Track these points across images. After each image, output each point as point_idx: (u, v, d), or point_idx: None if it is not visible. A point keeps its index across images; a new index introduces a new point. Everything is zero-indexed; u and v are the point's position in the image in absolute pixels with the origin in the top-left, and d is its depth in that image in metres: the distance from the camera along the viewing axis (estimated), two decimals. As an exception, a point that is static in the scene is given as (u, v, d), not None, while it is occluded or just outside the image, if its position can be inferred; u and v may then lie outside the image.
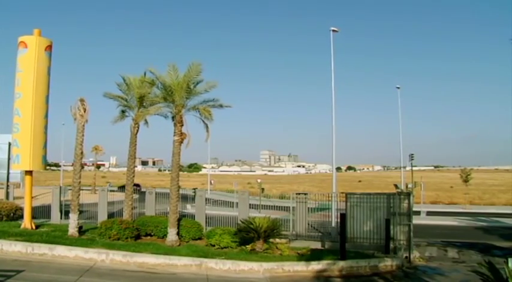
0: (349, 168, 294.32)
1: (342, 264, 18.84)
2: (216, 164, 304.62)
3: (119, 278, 16.84)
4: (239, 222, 22.63)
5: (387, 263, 19.47)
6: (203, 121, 22.46)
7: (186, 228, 23.42)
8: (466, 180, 55.13)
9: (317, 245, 23.22)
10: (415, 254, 22.12)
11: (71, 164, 41.78)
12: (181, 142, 21.91)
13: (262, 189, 46.06)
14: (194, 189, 33.36)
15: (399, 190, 22.26)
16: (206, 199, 47.66)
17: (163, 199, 29.61)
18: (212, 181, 63.56)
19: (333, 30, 31.62)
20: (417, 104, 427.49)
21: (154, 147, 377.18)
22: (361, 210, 22.40)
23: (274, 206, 36.25)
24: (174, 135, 21.97)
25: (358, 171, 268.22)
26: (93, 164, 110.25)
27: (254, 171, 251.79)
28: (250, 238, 21.32)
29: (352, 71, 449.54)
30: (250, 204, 27.02)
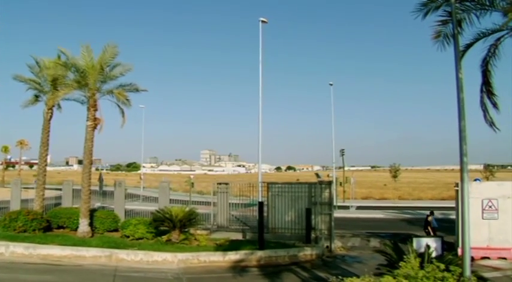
0: (289, 168, 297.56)
1: (260, 254, 18.32)
2: (155, 163, 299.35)
3: (16, 271, 15.55)
4: (154, 211, 21.61)
5: (307, 252, 19.13)
6: (119, 106, 21.34)
7: (100, 219, 22.12)
8: (395, 176, 56.68)
9: (238, 236, 22.56)
10: (337, 244, 21.98)
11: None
12: (95, 127, 20.69)
13: (192, 183, 45.41)
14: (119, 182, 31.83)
15: (320, 179, 21.96)
16: (137, 195, 46.87)
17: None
18: (142, 176, 61.56)
19: (262, 21, 31.21)
20: (354, 105, 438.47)
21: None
22: (282, 200, 22.01)
23: (207, 202, 35.47)
24: (87, 120, 20.69)
25: (298, 171, 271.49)
26: (17, 162, 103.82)
27: (194, 170, 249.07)
28: (167, 229, 20.40)
29: (289, 72, 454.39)
30: (181, 200, 26.20)
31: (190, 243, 20.17)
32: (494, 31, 11.60)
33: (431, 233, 22.96)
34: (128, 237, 20.57)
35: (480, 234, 19.64)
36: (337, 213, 39.00)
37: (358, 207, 44.60)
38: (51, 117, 23.73)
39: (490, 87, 12.31)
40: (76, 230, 21.56)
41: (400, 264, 8.90)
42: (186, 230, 20.61)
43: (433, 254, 11.29)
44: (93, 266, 16.96)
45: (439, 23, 11.32)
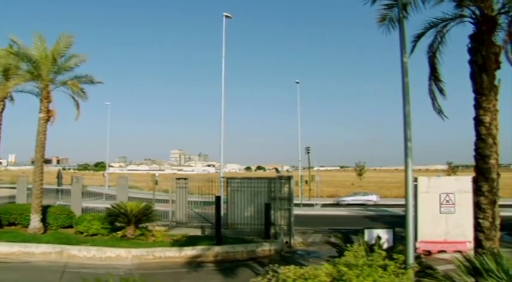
0: (259, 168, 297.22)
1: (217, 249, 18.00)
2: (124, 162, 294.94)
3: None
4: (109, 206, 21.04)
5: (265, 248, 18.88)
6: (74, 98, 20.69)
7: (54, 215, 21.40)
8: (360, 174, 57.20)
9: (198, 233, 22.19)
10: (297, 239, 21.84)
11: None
12: (48, 120, 19.99)
13: (156, 181, 45.01)
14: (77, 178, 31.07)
15: (279, 174, 21.75)
16: (100, 194, 45.92)
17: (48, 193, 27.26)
18: (106, 175, 60.54)
19: (226, 16, 31.08)
20: (324, 106, 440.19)
21: (59, 146, 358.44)
22: (242, 196, 21.73)
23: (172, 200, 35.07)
24: (40, 112, 19.97)
25: (268, 171, 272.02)
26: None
27: (163, 170, 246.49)
28: (123, 225, 19.89)
29: (261, 73, 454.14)
30: (145, 198, 25.84)
31: (147, 239, 19.71)
32: (444, 20, 11.57)
33: None
34: (82, 233, 19.96)
35: (438, 228, 19.83)
36: (302, 211, 39.28)
37: (324, 205, 44.82)
38: (3, 109, 22.82)
39: (436, 73, 12.25)
40: (28, 226, 20.80)
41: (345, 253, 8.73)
42: (142, 225, 20.15)
43: (385, 246, 11.19)
44: (43, 262, 16.34)
45: (385, 7, 11.26)
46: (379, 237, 11.42)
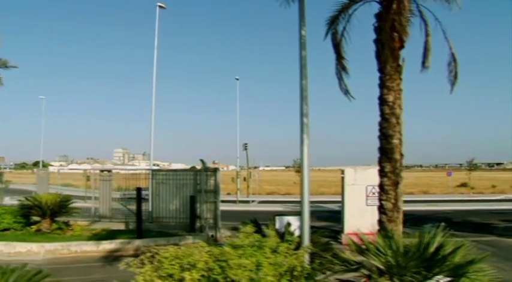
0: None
1: (138, 242, 17.43)
2: (65, 161, 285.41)
3: None
4: (22, 198, 19.98)
5: (188, 241, 18.37)
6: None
7: (-37, 210, 20.06)
8: (298, 171, 57.82)
9: (121, 227, 21.46)
10: (225, 233, 21.49)
11: None
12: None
13: (88, 177, 43.40)
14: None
15: (205, 166, 21.36)
16: (30, 191, 43.89)
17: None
18: (36, 171, 58.11)
19: (160, 6, 30.44)
20: (267, 106, 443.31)
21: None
22: (167, 188, 21.20)
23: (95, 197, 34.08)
24: None
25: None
26: None
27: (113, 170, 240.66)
28: (38, 220, 18.91)
29: (204, 72, 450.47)
30: (78, 196, 24.98)
31: (64, 233, 18.85)
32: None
33: None
34: (-8, 228, 18.81)
35: (364, 220, 19.93)
36: (238, 207, 39.17)
37: (261, 202, 44.79)
38: None
39: (339, 50, 12.21)
40: None
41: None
42: (60, 219, 19.22)
43: (296, 232, 11.11)
44: None
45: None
46: (288, 224, 11.30)
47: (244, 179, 49.33)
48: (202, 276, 6.06)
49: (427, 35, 11.58)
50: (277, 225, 11.55)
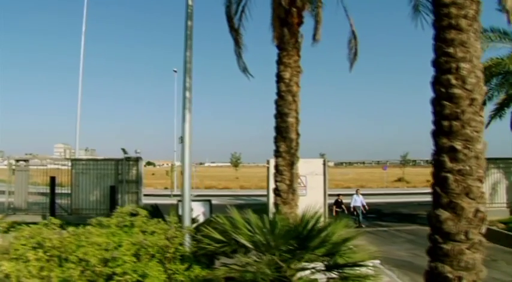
0: (149, 163, 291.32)
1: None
2: (1, 157, 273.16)
3: None
4: None
5: (107, 233, 17.79)
6: None
7: None
8: (236, 165, 58.27)
9: (38, 219, 20.43)
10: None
11: None
12: None
13: (13, 170, 41.69)
14: None
15: (127, 155, 20.69)
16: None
17: None
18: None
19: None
20: (211, 101, 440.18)
21: None
22: (87, 178, 20.40)
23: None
24: None
25: (158, 167, 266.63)
26: None
27: (46, 165, 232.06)
28: None
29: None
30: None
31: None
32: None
33: (346, 211, 22.63)
34: None
35: (286, 207, 20.09)
36: (172, 201, 38.50)
37: (197, 195, 44.38)
38: None
39: (232, 23, 11.86)
40: None
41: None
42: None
43: (201, 218, 10.87)
44: None
45: None
46: (191, 209, 11.00)
47: (181, 173, 48.65)
48: (51, 256, 5.66)
49: (317, 7, 11.40)
50: (180, 211, 11.21)
